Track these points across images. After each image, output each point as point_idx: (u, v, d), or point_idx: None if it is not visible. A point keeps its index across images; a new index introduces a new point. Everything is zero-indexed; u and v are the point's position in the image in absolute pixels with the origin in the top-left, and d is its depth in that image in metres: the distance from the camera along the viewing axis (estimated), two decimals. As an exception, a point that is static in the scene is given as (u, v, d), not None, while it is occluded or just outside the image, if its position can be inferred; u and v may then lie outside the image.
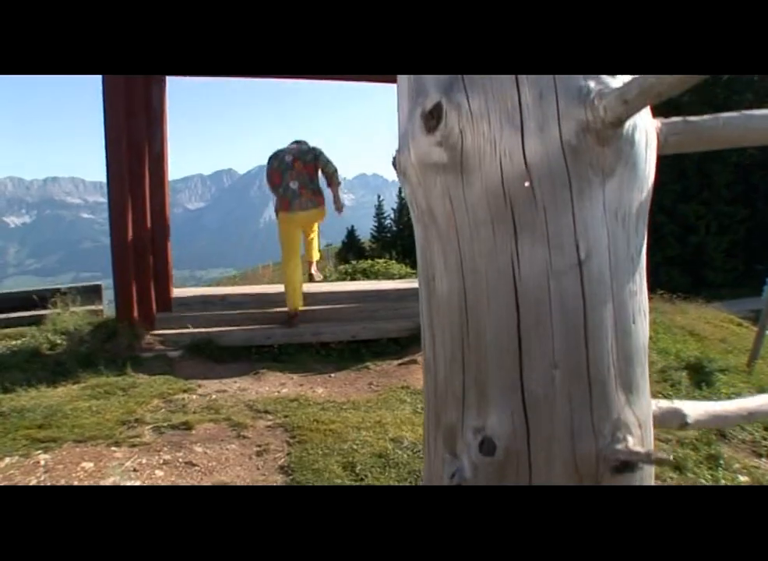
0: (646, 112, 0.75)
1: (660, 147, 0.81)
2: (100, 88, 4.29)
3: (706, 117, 0.83)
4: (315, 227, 5.26)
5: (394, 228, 39.13)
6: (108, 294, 6.32)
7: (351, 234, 39.23)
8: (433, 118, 0.70)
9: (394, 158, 0.80)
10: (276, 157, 4.94)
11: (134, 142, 4.41)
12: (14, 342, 4.84)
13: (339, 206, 5.09)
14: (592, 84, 0.68)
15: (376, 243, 38.29)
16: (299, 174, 4.85)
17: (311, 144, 5.10)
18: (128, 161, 4.38)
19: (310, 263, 5.31)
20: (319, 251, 5.55)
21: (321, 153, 4.96)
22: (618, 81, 0.69)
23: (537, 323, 0.74)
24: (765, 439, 3.98)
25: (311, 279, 5.26)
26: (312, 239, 5.31)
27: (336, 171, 4.94)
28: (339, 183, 4.97)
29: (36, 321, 5.83)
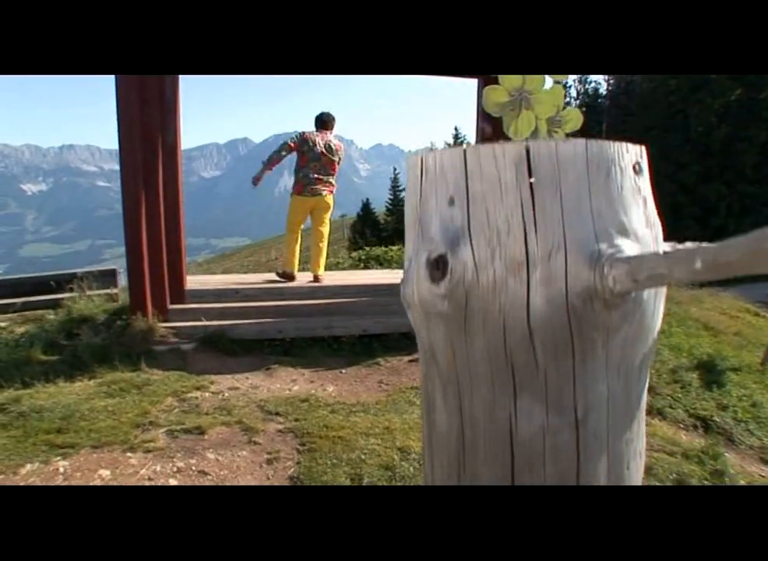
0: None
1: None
2: (113, 77, 4.27)
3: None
4: (324, 236, 5.65)
5: (409, 201, 38.90)
6: (124, 277, 6.43)
7: (366, 206, 39.09)
8: (438, 269, 0.69)
9: (401, 285, 0.79)
10: (307, 143, 5.40)
11: (147, 133, 4.39)
12: (32, 330, 4.94)
13: None
14: (604, 247, 0.66)
15: (391, 216, 38.15)
16: (323, 166, 5.44)
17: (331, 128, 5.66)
18: (142, 153, 4.38)
19: (315, 276, 5.52)
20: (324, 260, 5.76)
21: (343, 153, 5.59)
22: (632, 245, 0.67)
23: (530, 470, 0.75)
24: (775, 445, 3.99)
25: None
26: (321, 250, 5.60)
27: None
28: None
29: (54, 305, 5.95)
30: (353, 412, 3.42)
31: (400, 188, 39.15)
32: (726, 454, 3.53)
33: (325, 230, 5.66)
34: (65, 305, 5.48)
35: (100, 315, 5.02)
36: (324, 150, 5.44)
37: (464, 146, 0.71)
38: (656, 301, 0.75)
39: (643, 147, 0.75)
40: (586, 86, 27.45)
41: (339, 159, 5.60)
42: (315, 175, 5.41)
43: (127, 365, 3.94)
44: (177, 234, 4.67)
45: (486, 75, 4.70)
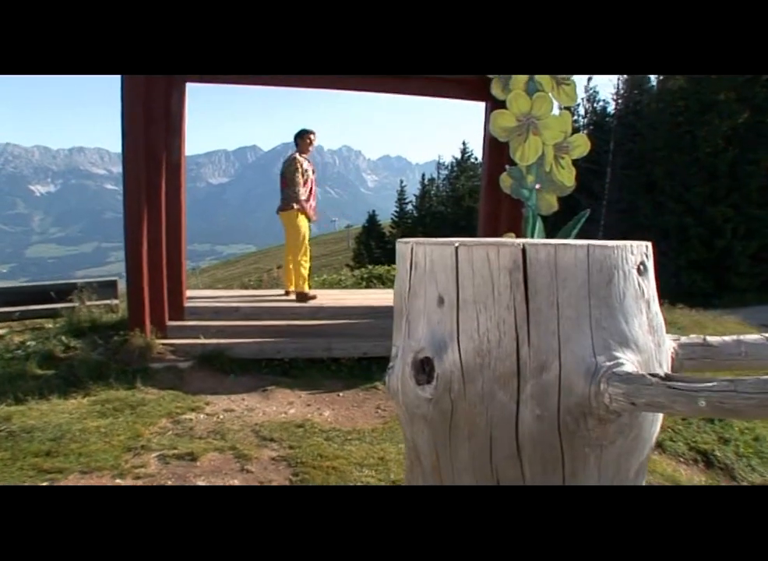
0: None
1: (674, 370, 0.75)
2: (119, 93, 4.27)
3: (728, 340, 0.77)
4: (287, 255, 5.69)
5: (415, 214, 38.91)
6: (124, 284, 6.43)
7: (372, 218, 39.10)
8: (424, 372, 0.65)
9: (385, 375, 0.75)
10: (302, 166, 5.44)
11: (152, 150, 4.39)
12: (30, 341, 4.90)
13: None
14: (601, 360, 0.62)
15: (396, 228, 38.16)
16: (311, 186, 5.57)
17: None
18: (146, 170, 4.37)
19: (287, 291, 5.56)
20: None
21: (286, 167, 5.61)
22: (632, 356, 0.63)
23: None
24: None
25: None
26: (288, 268, 5.63)
27: None
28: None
29: (53, 314, 5.93)
30: (348, 440, 3.36)
31: (407, 200, 39.18)
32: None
33: (288, 249, 5.67)
34: (65, 315, 5.47)
35: (99, 328, 4.99)
36: (312, 172, 5.61)
37: (456, 244, 0.67)
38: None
39: (649, 244, 0.71)
40: (594, 104, 27.47)
41: (282, 174, 5.53)
42: (306, 195, 5.52)
43: (123, 383, 3.90)
44: (178, 252, 4.65)
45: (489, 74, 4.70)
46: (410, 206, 39.45)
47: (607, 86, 43.12)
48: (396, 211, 39.79)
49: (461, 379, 0.65)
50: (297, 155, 5.47)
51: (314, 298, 5.47)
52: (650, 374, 0.60)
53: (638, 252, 0.69)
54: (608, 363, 0.61)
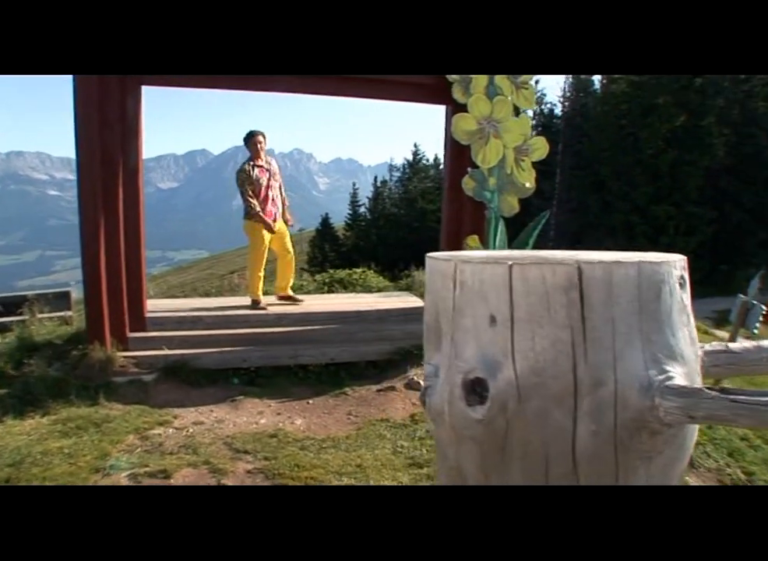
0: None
1: (702, 376, 0.77)
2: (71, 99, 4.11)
3: (749, 346, 0.80)
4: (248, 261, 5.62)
5: (369, 216, 38.91)
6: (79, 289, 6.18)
7: (326, 222, 38.87)
8: (475, 393, 0.65)
9: (423, 394, 0.74)
10: (249, 175, 5.25)
11: (108, 155, 4.24)
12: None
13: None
14: (653, 374, 0.63)
15: (350, 231, 38.05)
16: (266, 193, 5.34)
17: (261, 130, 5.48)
18: (102, 176, 4.21)
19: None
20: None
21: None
22: (679, 368, 0.64)
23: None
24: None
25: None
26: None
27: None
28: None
29: (2, 329, 5.65)
30: (323, 448, 3.33)
31: (359, 203, 39.11)
32: (687, 478, 3.60)
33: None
34: (15, 330, 5.21)
35: (54, 343, 4.78)
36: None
37: (509, 263, 0.66)
38: (696, 422, 0.73)
39: (685, 258, 0.73)
40: (542, 107, 28.17)
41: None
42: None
43: (84, 400, 3.75)
44: (138, 260, 4.50)
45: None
46: (363, 209, 39.40)
47: (554, 89, 44.34)
48: (349, 214, 39.69)
49: (517, 399, 0.65)
50: (245, 165, 5.29)
51: (258, 302, 5.28)
52: (707, 387, 0.62)
53: (679, 266, 0.71)
54: (660, 377, 0.63)
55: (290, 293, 5.61)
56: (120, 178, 4.32)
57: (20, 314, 5.55)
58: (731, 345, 0.82)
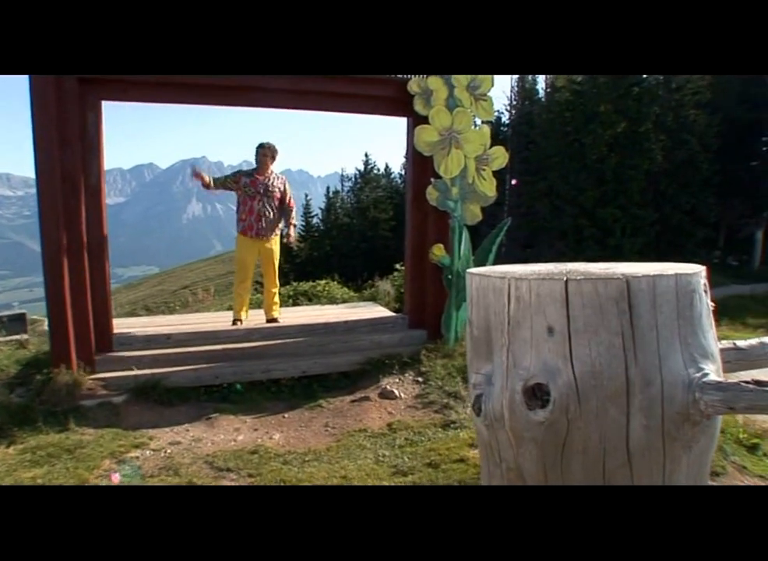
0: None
1: (719, 372, 0.86)
2: (29, 118, 4.00)
3: (753, 343, 0.89)
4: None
5: (322, 227, 38.76)
6: (36, 308, 5.91)
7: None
8: (536, 398, 0.71)
9: (477, 401, 0.80)
10: (241, 184, 5.26)
11: (68, 174, 4.14)
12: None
13: None
14: (692, 372, 0.71)
15: (304, 242, 37.83)
16: (251, 203, 5.28)
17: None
18: (63, 194, 4.11)
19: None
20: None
21: None
22: (711, 366, 0.73)
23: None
24: None
25: None
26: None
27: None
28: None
29: (-49, 356, 5.38)
30: (306, 462, 3.34)
31: (312, 214, 38.96)
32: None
33: None
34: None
35: (13, 368, 4.61)
36: None
37: (564, 277, 0.73)
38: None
39: (705, 268, 0.81)
40: (490, 115, 28.83)
41: None
42: None
43: (53, 426, 3.63)
44: (103, 278, 4.40)
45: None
46: (316, 220, 39.23)
47: (501, 98, 45.40)
48: (302, 225, 39.40)
49: (577, 400, 0.71)
50: (239, 170, 5.41)
51: (237, 321, 5.27)
52: (743, 382, 0.70)
53: (703, 275, 0.80)
54: (698, 374, 0.70)
55: (274, 315, 5.43)
56: (81, 196, 4.23)
57: (-28, 339, 5.32)
58: (738, 342, 0.91)
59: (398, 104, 5.02)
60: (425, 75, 4.88)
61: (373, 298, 7.41)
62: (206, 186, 5.16)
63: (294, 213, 5.49)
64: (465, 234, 5.21)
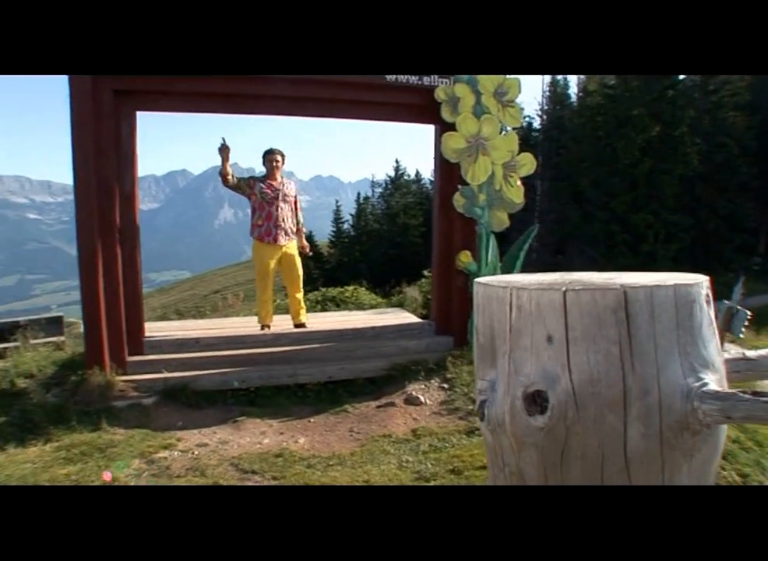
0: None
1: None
2: (68, 124, 4.15)
3: (763, 353, 0.89)
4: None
5: (352, 233, 38.97)
6: (72, 311, 6.11)
7: (309, 239, 38.76)
8: (536, 404, 0.73)
9: (481, 407, 0.82)
10: (255, 191, 5.27)
11: (104, 182, 4.28)
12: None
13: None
14: (691, 381, 0.72)
15: (334, 248, 38.12)
16: (267, 208, 5.32)
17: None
18: (98, 202, 4.25)
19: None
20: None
21: None
22: (712, 376, 0.73)
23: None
24: None
25: None
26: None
27: None
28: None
29: (-5, 355, 5.60)
30: (330, 466, 3.37)
31: (342, 220, 39.19)
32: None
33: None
34: (9, 356, 5.18)
35: (50, 369, 4.76)
36: None
37: (563, 288, 0.75)
38: (727, 422, 0.82)
39: (709, 279, 0.82)
40: (521, 120, 28.68)
41: None
42: None
43: (86, 425, 3.74)
44: (135, 283, 4.53)
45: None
46: (346, 225, 39.44)
47: (531, 104, 45.05)
48: (332, 231, 39.75)
49: (575, 407, 0.72)
50: (252, 176, 5.43)
51: (264, 327, 5.37)
52: (740, 391, 0.70)
53: (705, 286, 0.80)
54: (697, 384, 0.71)
55: (302, 320, 5.49)
56: (116, 203, 4.36)
57: (13, 340, 5.53)
58: (748, 353, 0.91)
59: (425, 111, 5.05)
60: (452, 83, 4.90)
61: (400, 304, 7.44)
62: (225, 173, 5.09)
63: (302, 220, 5.56)
64: (492, 241, 5.20)
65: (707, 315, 0.79)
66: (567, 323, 0.74)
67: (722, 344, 5.44)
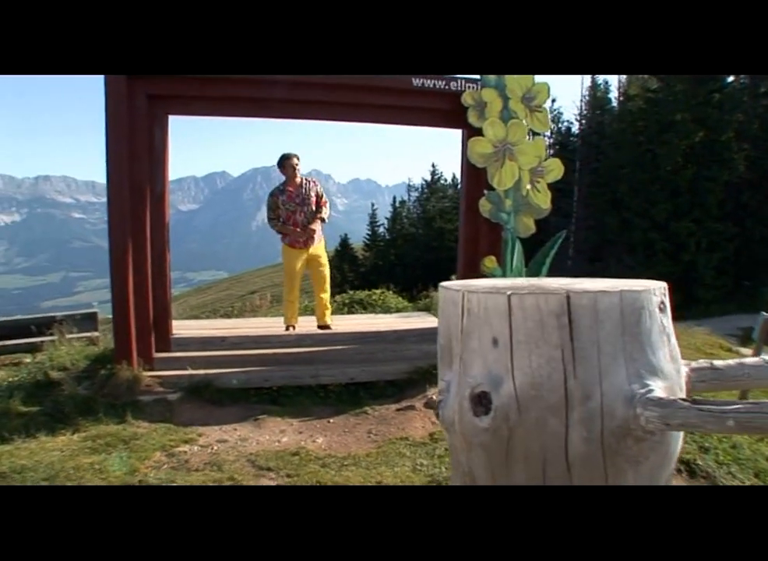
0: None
1: (689, 391, 0.85)
2: (102, 125, 4.31)
3: (732, 363, 0.87)
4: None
5: (387, 237, 39.08)
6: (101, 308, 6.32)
7: (345, 242, 39.09)
8: (481, 405, 0.74)
9: (438, 407, 0.83)
10: (275, 202, 5.37)
11: (136, 184, 4.42)
12: (11, 378, 4.82)
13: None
14: (636, 387, 0.72)
15: (369, 251, 38.30)
16: (291, 215, 5.40)
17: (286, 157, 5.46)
18: (130, 204, 4.39)
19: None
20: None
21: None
22: (660, 383, 0.73)
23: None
24: None
25: None
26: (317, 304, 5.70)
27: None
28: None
29: (32, 349, 5.84)
30: (344, 466, 3.40)
31: (378, 223, 39.31)
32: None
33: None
34: (45, 350, 5.39)
35: (82, 363, 4.94)
36: None
37: (508, 293, 0.76)
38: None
39: (666, 285, 0.81)
40: (559, 125, 28.29)
41: None
42: None
43: (112, 417, 3.88)
44: (164, 282, 4.66)
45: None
46: (382, 229, 39.55)
47: (570, 108, 44.38)
48: (368, 234, 39.93)
49: (517, 409, 0.73)
50: (275, 190, 5.44)
51: (289, 328, 5.44)
52: (681, 399, 0.70)
53: (659, 293, 0.80)
54: (642, 390, 0.71)
55: (327, 322, 5.55)
56: (147, 204, 4.50)
57: (50, 334, 5.75)
58: (715, 362, 0.90)
59: (452, 116, 5.06)
60: (479, 88, 4.89)
61: (428, 309, 7.43)
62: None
63: (324, 209, 5.46)
64: (518, 247, 5.16)
65: (660, 322, 0.79)
66: (511, 327, 0.75)
67: (758, 353, 5.27)
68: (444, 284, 0.88)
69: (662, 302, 0.80)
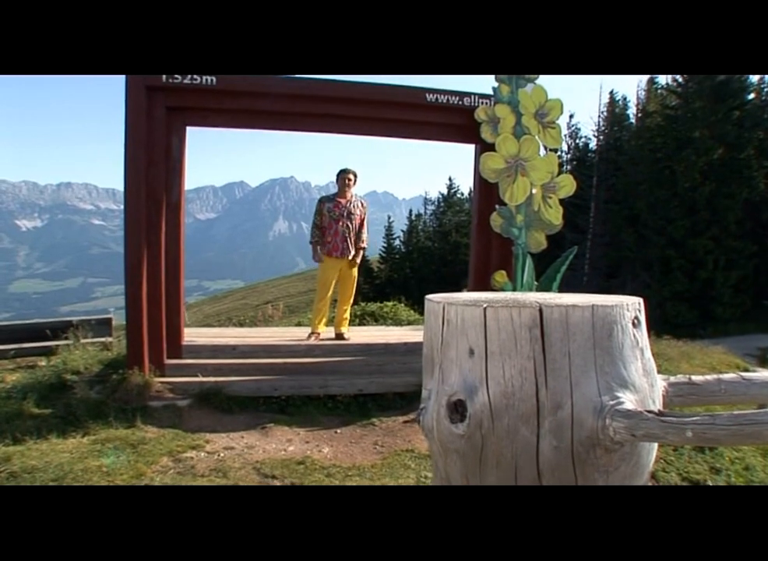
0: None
1: (665, 406, 0.87)
2: (122, 135, 4.41)
3: (709, 378, 0.89)
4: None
5: (403, 249, 39.13)
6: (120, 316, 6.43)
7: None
8: (457, 412, 0.77)
9: (418, 415, 0.86)
10: (322, 208, 5.59)
11: (153, 192, 4.52)
12: (25, 380, 4.91)
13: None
14: (606, 399, 0.74)
15: (384, 264, 38.38)
16: (334, 226, 5.57)
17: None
18: (146, 211, 4.49)
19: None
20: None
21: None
22: (631, 396, 0.75)
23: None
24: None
25: None
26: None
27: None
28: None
29: (47, 352, 5.95)
30: (348, 476, 3.41)
31: (394, 236, 39.38)
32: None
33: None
34: (59, 353, 5.49)
35: (95, 367, 5.02)
36: None
37: (484, 306, 0.79)
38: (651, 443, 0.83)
39: (641, 300, 0.83)
40: (577, 141, 28.25)
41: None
42: None
43: (122, 422, 3.93)
44: (177, 290, 4.73)
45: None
46: (397, 242, 39.62)
47: (588, 124, 44.29)
48: (383, 247, 40.00)
49: (490, 418, 0.76)
50: (324, 197, 5.69)
51: (313, 334, 5.53)
52: (646, 411, 0.72)
53: (632, 308, 0.82)
54: (611, 402, 0.73)
55: (342, 330, 5.68)
56: (163, 213, 4.59)
57: (65, 338, 5.85)
58: (694, 377, 0.91)
59: (466, 131, 5.10)
60: (492, 103, 4.93)
61: (438, 321, 7.43)
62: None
63: (364, 237, 5.70)
64: (529, 262, 5.16)
65: (632, 337, 0.81)
66: (486, 338, 0.77)
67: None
68: (429, 296, 0.91)
69: (636, 318, 0.82)
